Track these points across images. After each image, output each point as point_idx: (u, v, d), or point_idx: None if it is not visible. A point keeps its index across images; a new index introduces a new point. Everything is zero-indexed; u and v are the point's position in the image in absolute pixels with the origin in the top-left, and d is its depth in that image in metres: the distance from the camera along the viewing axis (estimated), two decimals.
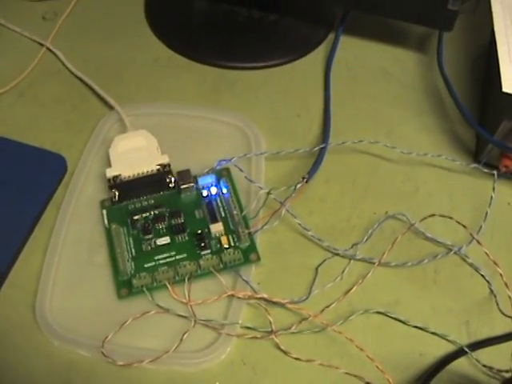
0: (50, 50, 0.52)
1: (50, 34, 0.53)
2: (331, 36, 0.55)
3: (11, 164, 0.44)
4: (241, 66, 0.51)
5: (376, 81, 0.51)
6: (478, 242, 0.39)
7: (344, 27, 0.55)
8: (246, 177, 0.42)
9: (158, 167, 0.43)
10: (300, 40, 0.54)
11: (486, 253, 0.38)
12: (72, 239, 0.41)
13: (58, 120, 0.47)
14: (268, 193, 0.41)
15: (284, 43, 0.54)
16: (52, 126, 0.47)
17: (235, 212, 0.41)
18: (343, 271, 0.40)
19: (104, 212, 0.42)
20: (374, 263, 0.40)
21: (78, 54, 0.52)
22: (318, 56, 0.53)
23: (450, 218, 0.39)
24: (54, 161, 0.44)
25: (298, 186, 0.42)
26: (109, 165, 0.43)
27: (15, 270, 0.40)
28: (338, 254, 0.41)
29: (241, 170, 0.42)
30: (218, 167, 0.43)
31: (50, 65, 0.51)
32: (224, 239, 0.40)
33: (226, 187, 0.43)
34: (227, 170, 0.44)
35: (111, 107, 0.47)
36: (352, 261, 0.40)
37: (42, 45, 0.52)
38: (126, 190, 0.42)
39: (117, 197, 0.42)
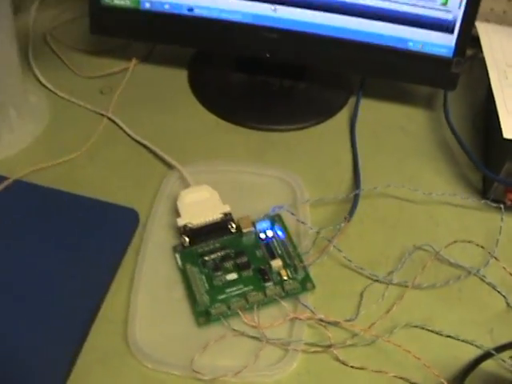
0: (111, 120, 0.68)
1: (109, 106, 0.69)
2: (352, 99, 0.72)
3: (90, 219, 0.58)
4: (278, 129, 0.68)
5: (394, 135, 0.69)
6: (496, 259, 0.55)
7: (363, 91, 0.72)
8: (298, 220, 0.57)
9: (221, 215, 0.57)
10: (327, 104, 0.72)
11: (503, 267, 0.54)
12: (151, 279, 0.55)
13: (125, 179, 0.62)
14: (317, 232, 0.57)
15: (313, 107, 0.71)
16: (121, 184, 0.62)
17: (290, 249, 0.56)
18: (383, 294, 0.54)
19: (177, 255, 0.56)
20: (407, 286, 0.54)
21: (136, 121, 0.68)
22: (343, 116, 0.71)
23: (469, 241, 0.55)
24: (128, 214, 0.59)
25: (342, 225, 0.57)
26: (177, 215, 0.57)
27: (104, 306, 0.53)
28: (377, 281, 0.55)
29: (292, 214, 0.57)
30: (271, 213, 0.58)
31: (112, 132, 0.67)
32: (283, 272, 0.54)
33: (280, 230, 0.57)
34: (279, 215, 0.59)
35: (171, 166, 0.62)
36: (389, 285, 0.55)
37: (103, 115, 0.68)
38: (195, 235, 0.56)
39: (187, 242, 0.56)
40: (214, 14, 0.66)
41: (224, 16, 0.66)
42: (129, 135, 0.66)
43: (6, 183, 0.60)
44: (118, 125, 0.67)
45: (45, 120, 0.68)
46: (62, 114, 0.69)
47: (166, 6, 0.67)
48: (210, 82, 0.74)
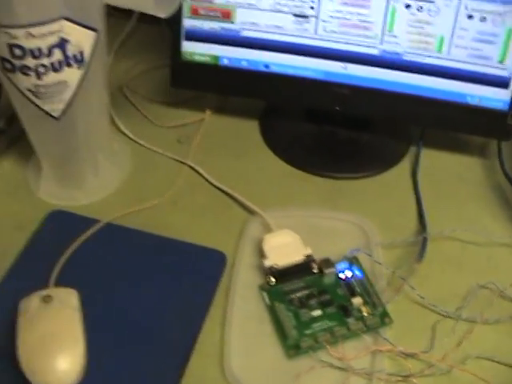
0: (191, 167, 0.77)
1: (188, 154, 0.78)
2: (412, 148, 0.82)
3: (181, 260, 0.67)
4: (346, 177, 0.78)
5: (453, 183, 0.78)
6: None
7: (423, 141, 0.82)
8: (375, 261, 0.66)
9: (304, 257, 0.66)
10: (390, 153, 0.81)
11: None
12: (242, 315, 0.63)
13: (209, 223, 0.71)
14: (393, 272, 0.65)
15: (377, 156, 0.81)
16: (205, 227, 0.70)
17: (368, 288, 0.64)
18: (454, 328, 0.62)
19: (264, 294, 0.64)
20: (476, 321, 0.63)
21: (214, 169, 0.77)
22: (405, 165, 0.80)
23: None
24: (216, 256, 0.67)
25: (415, 266, 0.66)
26: (263, 257, 0.65)
27: (200, 341, 0.61)
28: (448, 316, 0.63)
29: (369, 255, 0.66)
30: (349, 255, 0.67)
31: (193, 178, 0.76)
32: (363, 309, 0.63)
33: (358, 270, 0.66)
34: (355, 256, 0.67)
35: (252, 211, 0.71)
36: (459, 320, 0.63)
37: (183, 163, 0.77)
38: (280, 275, 0.65)
39: (273, 281, 0.65)
40: (289, 71, 0.76)
41: (297, 72, 0.76)
42: (209, 182, 0.75)
43: (98, 226, 0.69)
44: (198, 172, 0.77)
45: (128, 166, 0.78)
46: (144, 161, 0.79)
47: (244, 63, 0.77)
48: (281, 132, 0.84)
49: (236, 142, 0.82)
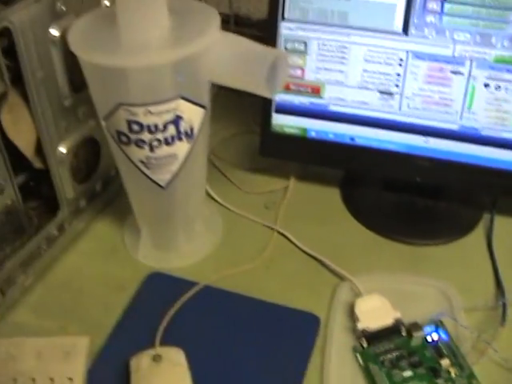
0: (280, 233, 0.85)
1: (276, 220, 0.87)
2: (486, 216, 0.90)
3: (277, 322, 0.74)
4: (426, 243, 0.85)
5: None
6: None
7: (496, 209, 0.90)
8: (460, 325, 0.73)
9: (393, 320, 0.73)
10: (465, 220, 0.89)
11: None
12: (337, 376, 0.69)
13: (300, 286, 0.79)
14: (478, 336, 0.72)
15: (453, 223, 0.89)
16: (297, 291, 0.78)
17: (455, 350, 0.72)
18: None
19: (358, 355, 0.71)
20: None
21: (302, 234, 0.85)
22: (479, 231, 0.88)
23: None
24: (310, 318, 0.75)
25: (498, 329, 0.73)
26: (355, 320, 0.73)
27: None
28: None
29: (455, 320, 0.73)
30: (435, 318, 0.74)
31: (282, 243, 0.84)
32: (452, 370, 0.69)
33: (444, 333, 0.73)
34: (441, 320, 0.75)
35: (341, 276, 0.79)
36: None
37: (271, 228, 0.86)
38: (372, 338, 0.72)
39: (366, 344, 0.72)
40: (373, 144, 0.85)
41: (381, 145, 0.85)
42: (298, 247, 0.84)
43: (197, 288, 0.77)
44: (286, 237, 0.85)
45: (219, 231, 0.86)
46: (234, 225, 0.87)
47: (331, 136, 0.86)
48: (362, 200, 0.93)
49: (319, 208, 0.91)
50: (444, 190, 0.92)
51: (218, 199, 0.91)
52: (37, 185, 0.82)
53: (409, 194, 0.92)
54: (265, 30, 0.84)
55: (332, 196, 0.93)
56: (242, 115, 1.06)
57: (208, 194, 0.91)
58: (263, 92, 0.69)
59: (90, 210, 0.87)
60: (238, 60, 0.69)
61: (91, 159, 0.85)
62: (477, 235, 0.87)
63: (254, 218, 0.88)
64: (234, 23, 1.01)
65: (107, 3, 0.78)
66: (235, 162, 0.99)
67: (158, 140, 0.70)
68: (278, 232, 0.86)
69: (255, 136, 0.90)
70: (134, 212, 0.82)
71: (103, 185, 0.88)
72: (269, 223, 0.87)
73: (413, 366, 0.70)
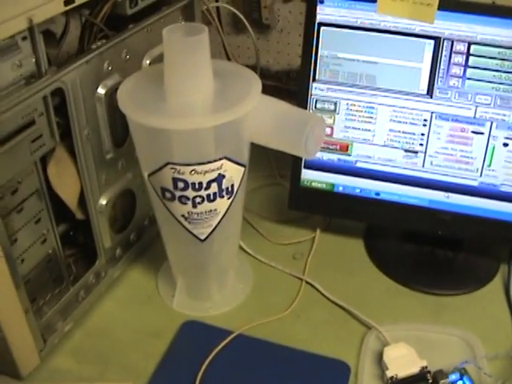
0: (308, 283, 0.90)
1: (303, 270, 0.92)
2: (503, 266, 0.94)
3: (308, 370, 0.78)
4: (447, 293, 0.90)
5: None
6: None
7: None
8: (484, 373, 0.77)
9: (420, 368, 0.77)
10: (483, 271, 0.94)
11: None
12: None
13: (330, 335, 0.83)
14: (503, 383, 0.77)
15: (473, 274, 0.94)
16: (327, 339, 0.82)
17: None
18: None
19: None
20: None
21: (329, 284, 0.89)
22: (498, 281, 0.92)
23: None
24: (340, 366, 0.79)
25: None
26: (383, 367, 0.77)
27: None
28: None
29: (479, 368, 0.78)
30: (460, 366, 0.78)
31: (311, 293, 0.89)
32: None
33: (469, 380, 0.77)
34: (465, 368, 0.79)
35: (367, 325, 0.83)
36: None
37: (300, 278, 0.90)
38: None
39: None
40: (397, 199, 0.90)
41: (405, 200, 0.90)
42: (326, 296, 0.88)
43: (231, 337, 0.81)
44: (314, 287, 0.90)
45: (250, 281, 0.91)
46: (264, 275, 0.92)
47: (357, 191, 0.91)
48: (385, 251, 0.98)
49: (345, 259, 0.96)
50: (463, 243, 0.98)
51: (249, 250, 0.96)
52: (74, 234, 0.86)
53: (430, 245, 0.97)
54: (297, 91, 0.90)
55: (356, 247, 0.98)
56: (266, 168, 1.11)
57: (239, 246, 0.95)
58: (302, 154, 0.74)
59: (125, 258, 0.91)
60: (277, 123, 0.74)
61: (127, 210, 0.90)
62: (495, 285, 0.92)
63: (283, 268, 0.93)
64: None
65: (148, 62, 0.83)
66: (263, 214, 1.04)
67: (201, 197, 0.75)
68: (307, 282, 0.91)
69: (281, 188, 0.96)
70: (170, 262, 0.86)
71: (137, 234, 0.93)
72: (297, 273, 0.92)
73: None
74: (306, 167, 0.92)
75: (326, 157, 0.91)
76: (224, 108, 0.71)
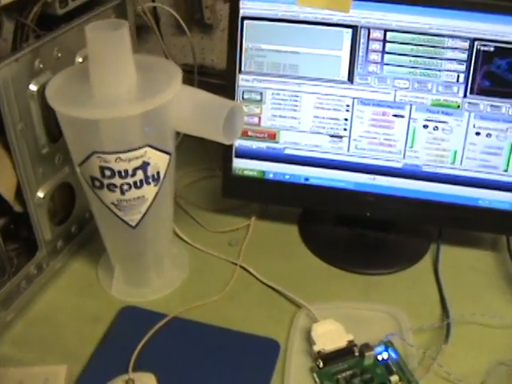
0: (242, 267, 0.94)
1: (239, 256, 0.96)
2: (434, 245, 0.99)
3: (241, 348, 0.82)
4: (377, 273, 0.95)
5: (471, 274, 0.95)
6: None
7: (442, 239, 0.99)
8: (408, 344, 0.81)
9: (346, 342, 0.81)
10: (413, 251, 0.99)
11: None
12: None
13: (262, 315, 0.87)
14: (424, 353, 0.81)
15: (403, 254, 0.99)
16: (259, 319, 0.86)
17: (403, 367, 0.80)
18: None
19: (315, 375, 0.79)
20: None
21: (263, 268, 0.94)
22: (427, 260, 0.97)
23: None
24: (271, 343, 0.83)
25: (443, 346, 0.81)
26: (311, 343, 0.81)
27: None
28: None
29: (403, 340, 0.82)
30: (385, 340, 0.83)
31: (245, 277, 0.93)
32: None
33: (394, 352, 0.81)
34: (390, 341, 0.83)
35: (298, 304, 0.87)
36: None
37: (235, 263, 0.95)
38: (327, 359, 0.80)
39: (322, 364, 0.80)
40: (325, 183, 0.95)
41: (333, 184, 0.94)
42: (259, 280, 0.92)
43: (166, 320, 0.85)
44: (248, 271, 0.94)
45: (187, 267, 0.95)
46: (201, 262, 0.96)
47: (287, 177, 0.96)
48: (318, 235, 1.02)
49: (279, 244, 1.00)
50: (394, 224, 1.02)
51: (186, 238, 1.00)
52: (16, 228, 0.90)
53: (361, 227, 1.02)
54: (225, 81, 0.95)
55: (291, 232, 1.03)
56: (206, 161, 1.16)
57: (176, 234, 1.00)
58: (221, 139, 0.79)
59: (66, 250, 0.95)
60: (197, 111, 0.79)
61: (67, 203, 0.93)
62: (425, 264, 0.97)
63: (219, 254, 0.97)
64: (198, 73, 1.10)
65: (80, 60, 0.88)
66: (201, 204, 1.08)
67: (128, 184, 0.79)
68: (241, 266, 0.95)
69: (219, 179, 1.00)
70: (108, 250, 0.90)
71: (78, 227, 0.97)
72: (232, 259, 0.96)
73: (365, 383, 0.78)
74: (236, 156, 0.96)
75: (255, 145, 0.95)
76: (146, 97, 0.75)
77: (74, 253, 0.97)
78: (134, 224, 0.83)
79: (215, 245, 0.99)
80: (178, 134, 1.04)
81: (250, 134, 0.95)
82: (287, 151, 0.95)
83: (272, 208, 1.07)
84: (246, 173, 0.98)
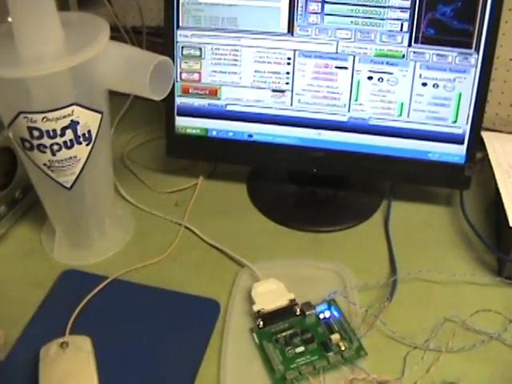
0: (187, 228, 0.93)
1: (184, 216, 0.94)
2: (384, 201, 0.97)
3: (180, 309, 0.81)
4: (326, 230, 0.93)
5: (422, 229, 0.93)
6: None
7: (393, 195, 0.97)
8: (350, 301, 0.80)
9: (288, 301, 0.80)
10: (364, 207, 0.97)
11: None
12: (235, 354, 0.76)
13: (205, 275, 0.86)
14: (366, 311, 0.79)
15: (353, 211, 0.97)
16: (202, 280, 0.85)
17: (345, 326, 0.78)
18: (422, 358, 0.75)
19: (254, 335, 0.78)
20: (442, 351, 0.76)
21: (208, 228, 0.92)
22: (378, 216, 0.96)
23: (489, 310, 0.78)
24: (211, 304, 0.81)
25: (386, 304, 0.80)
26: (252, 303, 0.80)
27: (198, 378, 0.74)
28: (416, 347, 0.77)
29: (345, 297, 0.80)
30: (328, 298, 0.81)
31: (189, 237, 0.92)
32: (341, 344, 0.76)
33: (336, 310, 0.80)
34: (333, 299, 0.81)
35: (242, 264, 0.86)
36: (427, 351, 0.76)
37: (180, 224, 0.93)
38: (267, 318, 0.78)
39: (262, 324, 0.79)
40: (269, 139, 0.92)
41: (277, 140, 0.92)
42: (203, 240, 0.91)
43: (106, 282, 0.84)
44: (193, 231, 0.92)
45: (131, 229, 0.93)
46: (145, 223, 0.95)
47: (230, 134, 0.94)
48: (266, 193, 1.00)
49: (226, 204, 0.98)
50: (344, 180, 1.00)
51: (131, 200, 0.98)
52: None
53: (310, 185, 1.00)
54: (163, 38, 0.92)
55: (239, 192, 1.01)
56: (156, 121, 1.13)
57: (121, 195, 0.98)
58: (149, 94, 0.76)
59: (10, 215, 0.94)
60: (124, 66, 0.77)
61: (8, 168, 0.92)
62: (375, 220, 0.95)
63: (164, 215, 0.96)
64: (150, 34, 1.07)
65: (10, 19, 0.86)
66: (149, 165, 1.07)
67: (58, 144, 0.77)
68: (186, 227, 0.93)
69: None
70: (47, 214, 0.89)
71: (22, 191, 0.95)
72: (177, 219, 0.95)
73: (305, 342, 0.76)
74: (178, 114, 0.94)
75: (196, 102, 0.93)
76: (73, 52, 0.73)
77: (18, 218, 0.96)
78: (68, 185, 0.81)
79: (161, 206, 0.98)
80: (127, 95, 1.03)
81: (190, 91, 0.92)
82: (229, 107, 0.93)
83: (221, 167, 1.05)
84: (189, 131, 0.95)
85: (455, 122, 0.87)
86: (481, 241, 0.89)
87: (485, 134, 0.97)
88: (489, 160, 0.95)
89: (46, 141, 0.76)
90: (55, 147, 0.77)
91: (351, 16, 0.84)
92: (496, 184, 0.90)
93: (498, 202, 0.89)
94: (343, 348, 0.76)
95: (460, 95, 0.86)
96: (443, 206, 0.98)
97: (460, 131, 0.88)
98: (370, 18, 0.83)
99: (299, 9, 0.85)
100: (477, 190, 0.98)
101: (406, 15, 0.83)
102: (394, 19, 0.83)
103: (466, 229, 0.93)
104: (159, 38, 1.09)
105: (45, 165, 0.79)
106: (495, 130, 1.08)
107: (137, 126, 1.13)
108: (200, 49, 0.90)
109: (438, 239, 0.92)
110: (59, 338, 0.75)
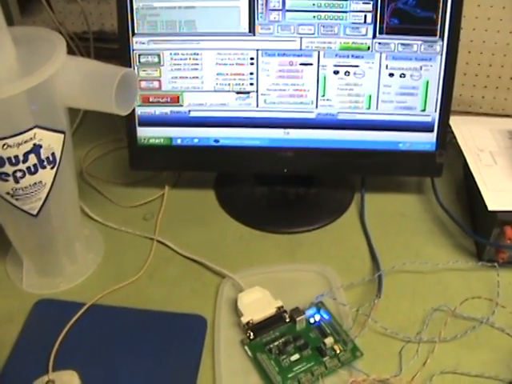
0: (160, 242, 0.90)
1: (154, 230, 0.92)
2: (357, 195, 0.98)
3: (166, 329, 0.79)
4: (301, 230, 0.93)
5: (397, 220, 0.94)
6: (502, 307, 0.78)
7: (365, 188, 0.98)
8: (338, 302, 0.79)
9: (275, 309, 0.79)
10: (337, 203, 0.97)
11: (510, 312, 0.78)
12: (229, 370, 0.75)
13: (185, 290, 0.84)
14: (356, 310, 0.79)
15: (326, 208, 0.97)
16: (182, 295, 0.83)
17: (337, 328, 0.78)
18: (417, 351, 0.76)
19: (246, 347, 0.77)
20: (435, 341, 0.77)
21: (181, 240, 0.90)
22: (352, 211, 0.96)
23: (479, 297, 0.79)
24: (196, 320, 0.80)
25: (375, 301, 0.80)
26: (239, 314, 0.79)
27: None
28: (410, 341, 0.77)
29: (334, 299, 0.80)
30: (315, 301, 0.81)
31: (163, 252, 0.90)
32: (336, 347, 0.76)
33: (326, 313, 0.80)
34: (321, 302, 0.81)
35: (222, 274, 0.85)
36: (420, 343, 0.77)
37: (151, 239, 0.91)
38: (257, 329, 0.78)
39: (252, 335, 0.78)
40: (237, 143, 0.91)
41: (245, 143, 0.91)
42: (178, 253, 0.89)
43: (82, 309, 0.81)
44: (166, 245, 0.90)
45: (101, 249, 0.91)
46: (115, 241, 0.92)
47: (196, 141, 0.92)
48: (236, 197, 0.99)
49: (196, 212, 0.97)
50: (314, 178, 1.00)
51: (97, 218, 0.95)
52: None
53: (280, 185, 1.00)
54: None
55: (207, 198, 0.99)
56: (113, 132, 1.11)
57: (86, 214, 0.95)
58: (116, 110, 0.74)
59: None
60: (86, 82, 0.74)
61: None
62: (350, 215, 0.96)
63: (134, 231, 0.93)
64: (99, 40, 1.04)
65: None
66: (110, 178, 1.04)
67: (21, 171, 0.73)
68: (158, 241, 0.91)
69: (127, 151, 0.95)
70: (13, 243, 0.85)
71: None
72: (148, 234, 0.93)
73: (299, 349, 0.76)
74: (140, 125, 0.92)
75: (158, 111, 0.91)
76: (28, 73, 0.69)
77: None
78: (35, 212, 0.78)
79: (129, 221, 0.95)
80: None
81: (151, 99, 0.90)
82: (193, 114, 0.91)
83: (186, 175, 1.03)
84: (152, 141, 0.93)
85: (424, 110, 0.88)
86: (458, 226, 0.90)
87: (452, 119, 0.98)
88: (454, 143, 0.96)
89: (8, 168, 0.73)
90: (18, 174, 0.74)
91: (313, 11, 0.83)
92: (465, 167, 0.91)
93: (469, 185, 0.90)
94: (338, 351, 0.76)
95: (427, 83, 0.87)
96: (415, 194, 0.99)
97: (429, 119, 0.89)
98: (332, 11, 0.83)
99: (259, 7, 0.83)
100: (444, 174, 0.98)
101: (369, 6, 0.83)
102: (357, 11, 0.83)
103: (440, 215, 0.94)
104: (103, 43, 1.06)
105: (8, 193, 0.76)
106: (470, 113, 1.10)
107: (92, 140, 1.10)
108: (158, 55, 0.87)
109: (414, 228, 0.93)
110: (43, 377, 0.72)
